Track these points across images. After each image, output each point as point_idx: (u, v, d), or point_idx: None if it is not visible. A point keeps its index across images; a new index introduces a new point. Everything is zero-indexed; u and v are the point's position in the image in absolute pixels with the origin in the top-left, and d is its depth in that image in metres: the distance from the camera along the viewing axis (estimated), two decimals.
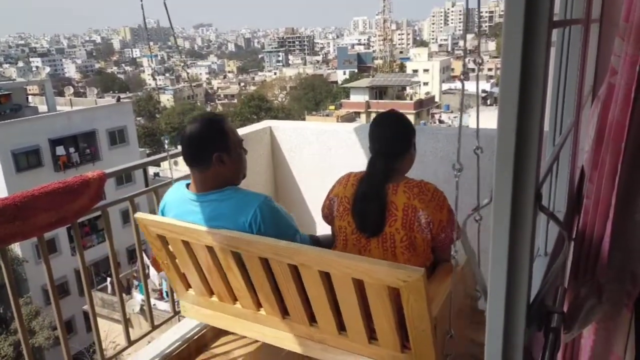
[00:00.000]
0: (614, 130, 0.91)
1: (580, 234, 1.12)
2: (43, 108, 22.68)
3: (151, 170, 26.80)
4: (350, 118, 40.36)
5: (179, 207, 1.91)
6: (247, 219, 1.75)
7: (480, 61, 1.28)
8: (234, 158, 1.85)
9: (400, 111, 2.07)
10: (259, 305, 1.92)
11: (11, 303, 1.90)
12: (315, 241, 2.00)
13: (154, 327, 2.53)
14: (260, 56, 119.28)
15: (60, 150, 19.79)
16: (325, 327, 1.78)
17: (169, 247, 1.96)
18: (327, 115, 45.53)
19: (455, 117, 42.45)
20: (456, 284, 1.78)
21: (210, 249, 1.81)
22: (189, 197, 1.87)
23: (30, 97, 26.30)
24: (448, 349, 1.63)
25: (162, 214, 1.99)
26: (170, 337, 2.49)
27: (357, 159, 2.99)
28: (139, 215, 1.95)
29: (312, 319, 1.81)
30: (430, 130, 3.25)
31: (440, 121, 43.00)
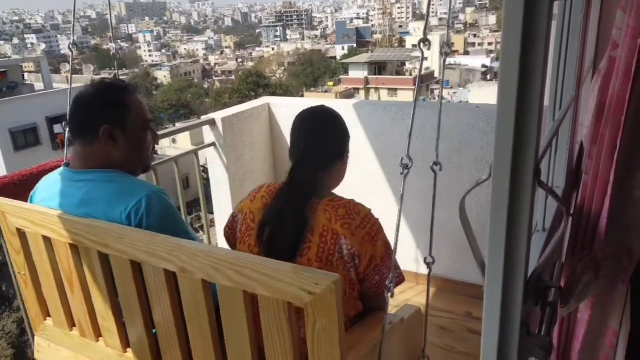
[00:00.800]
0: (614, 104, 0.90)
1: (579, 209, 1.12)
2: (39, 86, 22.49)
3: None
4: (349, 94, 40.15)
5: (49, 189, 1.52)
6: (126, 208, 1.35)
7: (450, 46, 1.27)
8: (131, 139, 1.47)
9: (401, 92, 1.86)
10: (127, 343, 1.50)
11: (13, 281, 1.91)
12: None
13: None
14: (257, 31, 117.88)
15: (58, 129, 19.69)
16: None
17: (30, 248, 1.58)
18: (326, 92, 45.27)
19: (455, 92, 42.21)
20: (393, 341, 1.42)
21: (74, 248, 1.43)
22: (65, 175, 1.50)
23: (26, 75, 26.07)
24: None
25: (31, 201, 1.58)
26: None
27: (356, 136, 2.98)
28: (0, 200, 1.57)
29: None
30: (430, 105, 3.23)
31: (440, 97, 42.77)
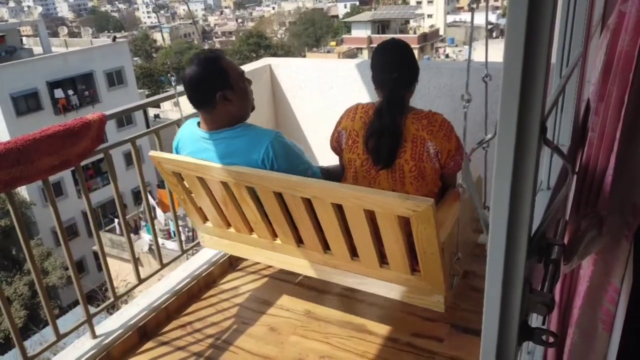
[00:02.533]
0: (622, 60, 0.88)
1: (584, 167, 1.12)
2: (38, 50, 22.21)
3: (151, 111, 26.62)
4: (352, 54, 39.51)
5: (192, 145, 1.94)
6: (259, 156, 1.78)
7: None
8: (239, 93, 1.86)
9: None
10: (274, 235, 2.01)
11: (22, 244, 1.94)
12: (325, 172, 2.04)
13: (163, 265, 2.59)
14: None
15: (58, 93, 19.56)
16: (339, 254, 1.87)
17: (184, 182, 2.03)
18: (328, 52, 44.56)
19: (460, 50, 41.45)
20: (463, 209, 1.86)
21: (224, 184, 1.87)
22: (201, 135, 1.89)
23: (24, 39, 25.70)
24: (454, 269, 1.75)
25: (176, 151, 2.03)
26: (180, 274, 2.57)
27: (359, 96, 2.95)
28: (153, 153, 2.00)
29: (326, 247, 1.90)
30: (434, 65, 3.18)
31: (446, 55, 42.05)
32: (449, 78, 2.69)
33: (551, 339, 0.69)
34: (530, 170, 0.57)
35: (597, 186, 0.97)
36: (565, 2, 1.55)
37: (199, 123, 1.94)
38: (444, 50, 43.28)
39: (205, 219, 2.20)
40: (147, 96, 24.35)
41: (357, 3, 65.69)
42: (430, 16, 48.55)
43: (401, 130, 1.78)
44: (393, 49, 1.89)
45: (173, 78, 2.25)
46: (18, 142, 1.80)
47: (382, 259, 1.79)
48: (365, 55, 39.35)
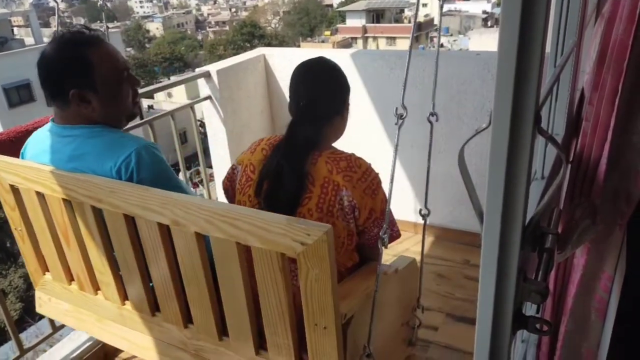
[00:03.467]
0: (616, 49, 0.88)
1: (578, 156, 1.12)
2: (30, 40, 22.01)
3: (145, 102, 26.45)
4: (347, 44, 39.35)
5: (38, 144, 1.49)
6: (115, 163, 1.32)
7: None
8: (105, 96, 1.39)
9: (400, 41, 1.86)
10: (125, 295, 1.53)
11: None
12: None
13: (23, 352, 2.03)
14: None
15: None
16: (203, 327, 1.37)
17: (24, 205, 1.58)
18: (323, 42, 44.36)
19: (454, 40, 41.35)
20: (387, 290, 1.43)
21: (67, 203, 1.42)
22: (53, 131, 1.45)
23: (15, 30, 25.43)
24: None
25: (22, 157, 1.56)
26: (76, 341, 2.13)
27: (354, 87, 2.94)
28: None
29: (188, 317, 1.42)
30: (429, 54, 3.18)
31: (440, 45, 41.92)
32: (444, 67, 2.69)
33: (545, 328, 0.70)
34: (524, 160, 0.58)
35: (591, 175, 0.97)
36: None
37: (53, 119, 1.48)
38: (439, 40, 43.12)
39: (45, 269, 1.71)
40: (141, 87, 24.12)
41: None
42: (425, 5, 48.36)
43: (304, 173, 1.37)
44: (313, 70, 1.49)
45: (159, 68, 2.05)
46: (11, 134, 1.79)
47: (261, 339, 1.29)
48: (359, 45, 39.22)
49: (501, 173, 0.58)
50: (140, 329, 1.53)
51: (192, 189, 1.57)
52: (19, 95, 18.86)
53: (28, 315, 12.89)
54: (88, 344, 2.10)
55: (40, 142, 1.49)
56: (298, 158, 1.39)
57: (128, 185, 1.29)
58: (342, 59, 3.04)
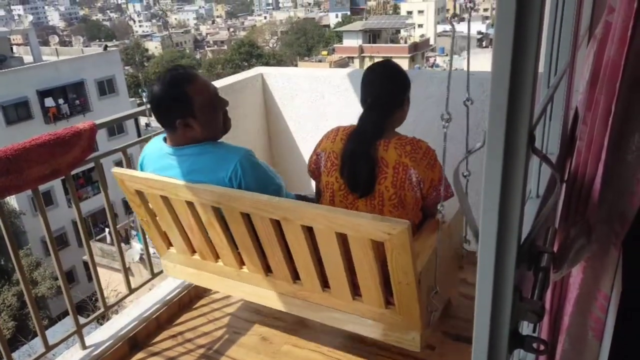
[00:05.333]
0: (609, 70, 0.90)
1: (572, 175, 1.13)
2: (28, 58, 22.10)
3: (142, 120, 26.51)
4: (344, 63, 39.68)
5: (157, 162, 1.83)
6: (227, 174, 1.68)
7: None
8: (203, 120, 1.73)
9: (396, 61, 2.01)
10: (241, 262, 1.88)
11: (11, 254, 1.92)
12: (301, 198, 1.95)
13: (154, 275, 2.57)
14: None
15: (49, 102, 19.45)
16: (309, 284, 1.74)
17: (149, 203, 1.92)
18: (320, 61, 44.76)
19: (449, 59, 41.78)
20: (442, 240, 1.71)
21: (190, 204, 1.76)
22: (167, 151, 1.79)
23: (14, 48, 25.57)
24: (432, 305, 1.63)
25: (141, 169, 1.91)
26: (170, 284, 2.55)
27: (351, 106, 2.96)
28: (116, 170, 1.89)
29: (295, 276, 1.77)
30: (425, 74, 3.21)
31: (435, 65, 42.35)
32: (438, 86, 2.71)
33: (542, 347, 0.70)
34: (519, 179, 0.58)
35: (585, 194, 0.98)
36: (553, 13, 1.57)
37: (165, 138, 1.84)
38: (434, 60, 43.59)
39: (169, 245, 2.08)
40: (139, 105, 24.27)
41: (349, 13, 66.13)
42: (420, 26, 48.94)
43: (374, 156, 1.70)
44: (378, 71, 1.82)
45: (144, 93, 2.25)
46: (8, 152, 1.79)
47: (355, 291, 1.68)
48: (356, 65, 39.54)
49: (496, 192, 0.59)
50: (256, 284, 1.89)
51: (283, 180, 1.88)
52: (16, 112, 18.88)
53: (20, 334, 12.71)
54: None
55: (158, 159, 1.83)
56: (367, 144, 1.71)
57: (241, 193, 1.64)
58: (339, 78, 3.07)
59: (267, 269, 1.82)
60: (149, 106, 2.04)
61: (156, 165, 1.83)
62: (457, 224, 2.00)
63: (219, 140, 1.81)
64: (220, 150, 1.75)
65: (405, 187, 1.71)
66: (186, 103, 1.69)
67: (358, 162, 1.71)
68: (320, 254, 1.61)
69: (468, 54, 1.53)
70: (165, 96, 1.70)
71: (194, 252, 2.00)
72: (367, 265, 1.52)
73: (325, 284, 1.72)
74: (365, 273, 1.56)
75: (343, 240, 1.52)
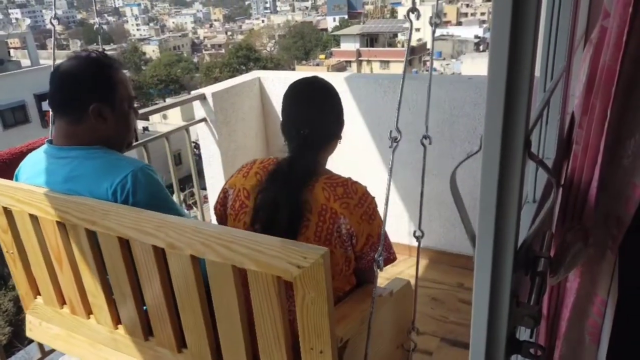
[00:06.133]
0: (604, 74, 0.90)
1: (569, 180, 1.13)
2: (26, 62, 22.10)
3: (140, 124, 26.49)
4: (341, 67, 39.80)
5: (34, 167, 1.49)
6: (112, 184, 1.32)
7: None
8: (118, 115, 1.46)
9: (393, 64, 1.81)
10: (117, 319, 1.50)
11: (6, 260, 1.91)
12: None
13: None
14: (247, 3, 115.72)
15: (46, 106, 19.36)
16: (198, 352, 1.34)
17: (17, 227, 1.55)
18: (318, 65, 44.85)
19: (447, 64, 41.90)
20: (383, 315, 1.43)
21: (61, 226, 1.41)
22: (48, 152, 1.47)
23: (11, 51, 25.57)
24: None
25: (16, 179, 1.56)
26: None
27: (348, 110, 2.96)
28: None
29: (182, 342, 1.38)
30: (422, 77, 3.21)
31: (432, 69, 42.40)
32: (437, 91, 2.72)
33: (539, 352, 0.69)
34: (515, 184, 0.58)
35: (582, 199, 0.98)
36: (549, 17, 1.57)
37: (51, 140, 1.50)
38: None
39: (36, 294, 1.68)
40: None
41: (346, 17, 66.35)
42: (417, 30, 49.05)
43: (302, 204, 1.34)
44: (311, 94, 1.46)
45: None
46: (4, 155, 1.79)
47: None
48: (354, 68, 39.66)
49: (492, 197, 0.59)
50: (133, 353, 1.50)
51: (186, 211, 1.56)
52: (13, 116, 18.87)
53: (17, 339, 12.65)
54: None
55: (35, 164, 1.49)
56: (295, 190, 1.36)
57: (122, 208, 1.28)
58: (336, 82, 3.07)
59: (149, 329, 1.44)
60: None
61: (32, 170, 1.49)
62: (405, 301, 1.62)
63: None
64: (111, 157, 1.42)
65: (332, 241, 1.34)
66: (111, 87, 1.43)
67: (279, 212, 1.35)
68: (213, 302, 1.22)
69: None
70: (87, 73, 1.41)
71: (63, 302, 1.62)
72: (270, 320, 1.13)
73: (219, 355, 1.30)
74: (268, 333, 1.16)
75: (243, 280, 1.15)
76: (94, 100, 1.40)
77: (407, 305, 1.63)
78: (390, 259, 1.43)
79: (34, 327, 1.73)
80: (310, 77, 1.51)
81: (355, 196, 1.36)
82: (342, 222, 1.33)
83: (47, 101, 1.48)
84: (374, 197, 1.42)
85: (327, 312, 1.05)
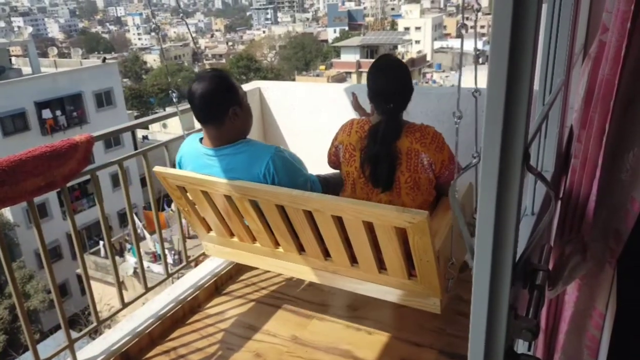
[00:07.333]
0: (603, 88, 0.90)
1: (567, 193, 1.13)
2: (27, 70, 22.13)
3: (140, 133, 26.52)
4: (341, 78, 39.91)
5: (195, 161, 2.03)
6: (260, 171, 1.89)
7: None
8: (245, 110, 1.98)
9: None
10: (276, 243, 2.10)
11: (3, 267, 1.90)
12: (324, 180, 2.18)
13: (148, 289, 2.55)
14: (248, 14, 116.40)
15: (46, 114, 19.44)
16: (339, 261, 1.96)
17: (188, 195, 2.13)
18: (318, 76, 44.95)
19: (447, 76, 42.07)
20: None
21: (228, 197, 1.97)
22: (204, 152, 1.99)
23: (13, 59, 25.65)
24: (449, 273, 1.86)
25: (179, 167, 2.13)
26: (164, 298, 2.53)
27: (346, 119, 2.97)
28: (157, 168, 2.09)
29: (326, 254, 1.99)
30: (421, 90, 3.22)
31: (432, 81, 42.61)
32: (436, 103, 2.73)
33: None
34: (513, 196, 0.58)
35: (580, 212, 0.98)
36: (548, 31, 1.58)
37: (201, 139, 2.02)
38: (431, 76, 43.87)
39: (208, 229, 2.30)
40: (136, 117, 24.31)
41: (347, 28, 66.68)
42: (417, 42, 49.37)
43: (397, 155, 1.86)
44: (392, 73, 1.94)
45: (174, 94, 2.27)
46: (3, 163, 1.78)
47: (381, 265, 1.88)
48: (354, 80, 39.79)
49: (491, 209, 0.59)
50: (291, 260, 2.11)
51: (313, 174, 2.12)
52: (13, 124, 18.86)
53: (12, 347, 12.54)
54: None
55: (195, 158, 2.03)
56: (389, 146, 1.86)
57: (276, 189, 1.84)
58: (336, 92, 3.08)
59: (301, 249, 2.05)
60: (180, 109, 2.30)
61: (195, 164, 2.04)
62: (468, 197, 2.18)
63: (250, 139, 2.01)
64: (252, 149, 1.95)
65: (419, 171, 1.88)
66: (234, 93, 1.92)
67: (381, 164, 1.88)
68: (349, 237, 1.82)
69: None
70: (218, 88, 1.89)
71: (232, 235, 2.22)
72: (391, 246, 1.74)
73: (354, 260, 1.93)
74: (389, 252, 1.78)
75: (369, 226, 1.73)
76: (230, 105, 1.90)
77: (469, 199, 2.15)
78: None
79: (210, 248, 2.39)
80: (391, 58, 2.04)
81: (429, 136, 1.88)
82: (424, 157, 1.86)
83: (194, 117, 1.99)
84: (440, 134, 1.91)
85: (429, 242, 1.63)
